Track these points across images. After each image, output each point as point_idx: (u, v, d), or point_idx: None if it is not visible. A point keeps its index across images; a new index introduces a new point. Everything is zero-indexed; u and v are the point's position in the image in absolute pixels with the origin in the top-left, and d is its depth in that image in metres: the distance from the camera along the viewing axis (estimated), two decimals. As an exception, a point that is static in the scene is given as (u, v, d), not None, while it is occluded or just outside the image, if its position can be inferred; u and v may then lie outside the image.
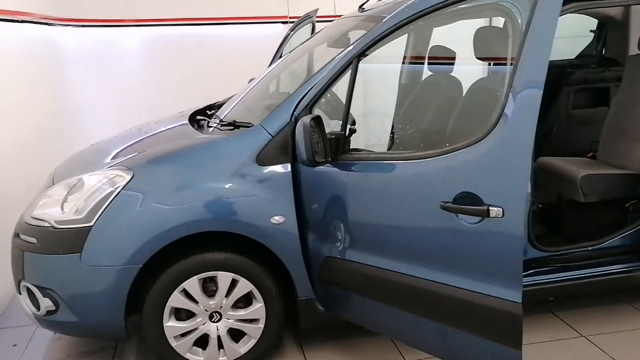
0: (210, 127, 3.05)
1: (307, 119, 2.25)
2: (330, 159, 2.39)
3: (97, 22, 6.03)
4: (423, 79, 3.60)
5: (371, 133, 3.43)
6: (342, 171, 2.46)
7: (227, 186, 2.55)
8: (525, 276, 2.97)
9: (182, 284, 2.60)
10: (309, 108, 2.55)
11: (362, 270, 2.47)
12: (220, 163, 2.60)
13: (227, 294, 2.66)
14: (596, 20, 4.82)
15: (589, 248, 3.03)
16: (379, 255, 2.41)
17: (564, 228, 3.34)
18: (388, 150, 2.91)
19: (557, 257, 3.04)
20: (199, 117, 3.33)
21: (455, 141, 2.11)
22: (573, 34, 5.05)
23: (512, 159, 1.97)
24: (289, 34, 4.93)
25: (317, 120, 2.32)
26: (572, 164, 3.37)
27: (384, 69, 3.52)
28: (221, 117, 3.07)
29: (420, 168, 2.19)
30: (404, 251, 2.30)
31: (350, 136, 2.54)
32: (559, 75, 4.58)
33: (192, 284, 2.61)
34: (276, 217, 2.58)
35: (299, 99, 2.60)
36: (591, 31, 4.92)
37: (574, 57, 4.99)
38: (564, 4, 2.99)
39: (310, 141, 2.24)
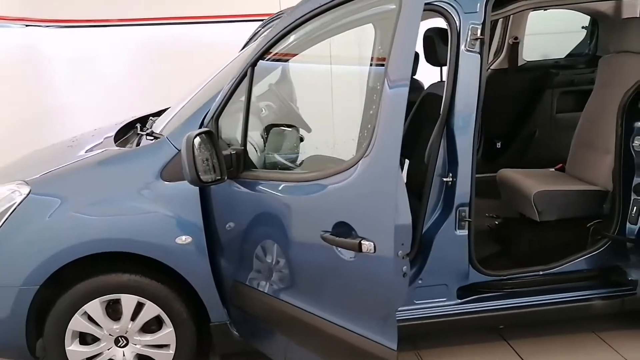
0: (136, 138, 2.88)
1: (192, 134, 2.05)
2: (226, 177, 2.19)
3: (80, 23, 5.92)
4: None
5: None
6: (243, 190, 2.26)
7: (127, 204, 2.38)
8: (470, 301, 2.73)
9: (83, 307, 2.44)
10: (215, 119, 2.35)
11: (261, 298, 2.27)
12: (121, 178, 2.42)
13: (134, 318, 2.49)
14: (589, 17, 4.46)
15: (540, 272, 2.75)
16: (274, 284, 2.20)
17: (515, 249, 3.06)
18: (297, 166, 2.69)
19: (506, 281, 2.77)
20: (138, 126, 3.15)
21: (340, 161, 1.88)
22: (564, 30, 4.70)
23: (379, 184, 1.72)
24: (258, 31, 4.70)
25: (208, 134, 2.12)
26: (532, 178, 3.08)
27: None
28: (154, 128, 2.89)
29: (303, 191, 1.97)
30: (294, 282, 2.09)
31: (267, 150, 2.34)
32: (541, 76, 4.26)
33: (94, 307, 2.45)
34: (182, 237, 2.40)
35: (208, 109, 2.40)
36: (583, 27, 4.57)
37: (564, 55, 4.64)
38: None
39: (194, 158, 2.04)
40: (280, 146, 2.44)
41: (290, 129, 2.50)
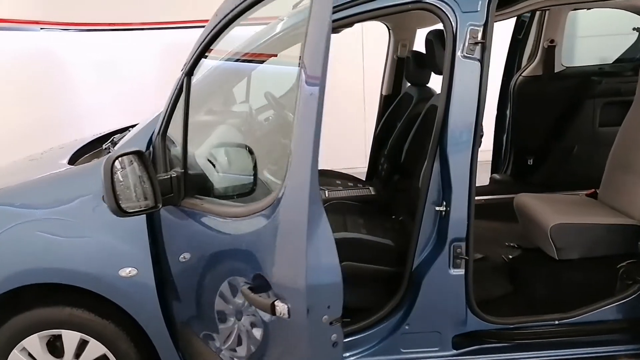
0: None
1: (112, 156, 1.76)
2: (160, 205, 1.87)
3: (99, 26, 5.82)
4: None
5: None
6: (185, 219, 1.94)
7: (64, 231, 2.11)
8: (468, 353, 2.32)
9: (21, 342, 2.20)
10: (161, 136, 2.05)
11: (201, 351, 1.94)
12: (60, 202, 2.16)
13: (78, 356, 2.23)
14: (640, 17, 3.90)
15: (556, 322, 2.29)
16: (216, 338, 1.87)
17: (529, 290, 2.60)
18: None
19: (513, 331, 2.33)
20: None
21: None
22: (612, 33, 4.15)
23: (289, 232, 1.36)
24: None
25: (138, 155, 1.82)
26: (553, 206, 2.61)
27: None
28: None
29: (229, 229, 1.63)
30: (229, 337, 1.75)
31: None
32: (581, 84, 3.74)
33: (33, 343, 2.20)
34: (126, 269, 2.11)
35: (157, 125, 2.11)
36: (635, 29, 4.00)
37: (611, 61, 4.09)
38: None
39: (113, 184, 1.74)
40: (229, 168, 2.11)
41: (239, 147, 2.17)
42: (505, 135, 4.00)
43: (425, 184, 2.23)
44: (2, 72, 4.83)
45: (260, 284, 1.43)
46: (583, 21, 4.10)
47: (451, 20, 2.09)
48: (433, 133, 2.20)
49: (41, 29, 5.11)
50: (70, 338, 2.19)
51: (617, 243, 2.39)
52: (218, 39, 1.85)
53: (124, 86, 5.85)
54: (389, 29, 3.54)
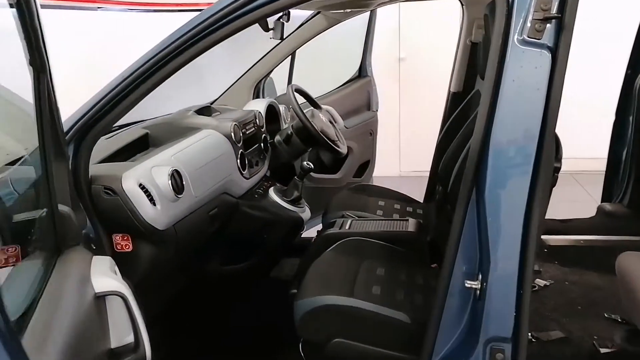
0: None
1: None
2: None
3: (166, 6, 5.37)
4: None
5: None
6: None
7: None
8: None
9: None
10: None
11: None
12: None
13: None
14: None
15: None
16: None
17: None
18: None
19: None
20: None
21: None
22: None
23: None
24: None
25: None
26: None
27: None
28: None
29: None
30: None
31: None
32: None
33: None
34: None
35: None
36: None
37: None
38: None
39: None
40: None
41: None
42: (625, 150, 2.92)
43: (454, 241, 1.42)
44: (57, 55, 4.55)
45: None
46: None
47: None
48: (468, 157, 1.39)
49: (98, 8, 4.76)
50: None
51: None
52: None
53: (189, 71, 5.40)
54: (462, 4, 2.66)
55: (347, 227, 2.22)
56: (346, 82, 3.47)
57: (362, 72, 3.49)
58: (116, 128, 2.12)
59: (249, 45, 2.86)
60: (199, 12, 1.53)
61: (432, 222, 2.48)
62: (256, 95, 2.98)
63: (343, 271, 1.89)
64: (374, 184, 3.60)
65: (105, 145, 2.02)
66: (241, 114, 2.36)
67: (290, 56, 3.06)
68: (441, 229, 2.28)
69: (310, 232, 2.60)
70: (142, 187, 1.61)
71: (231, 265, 2.30)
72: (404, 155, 5.44)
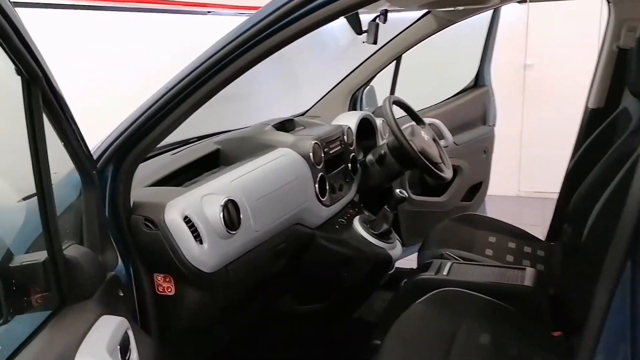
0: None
1: None
2: None
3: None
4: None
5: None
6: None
7: None
8: None
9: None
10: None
11: None
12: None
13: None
14: None
15: None
16: None
17: None
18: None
19: None
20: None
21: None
22: None
23: None
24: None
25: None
26: None
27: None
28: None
29: None
30: None
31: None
32: None
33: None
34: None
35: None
36: None
37: None
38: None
39: None
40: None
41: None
42: None
43: (594, 330, 0.99)
44: (165, 58, 4.52)
45: None
46: None
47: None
48: (620, 220, 0.95)
49: (208, 12, 4.67)
50: None
51: None
52: None
53: (300, 78, 5.18)
54: (608, 1, 2.14)
55: (444, 273, 1.81)
56: (459, 92, 3.05)
57: (479, 80, 3.05)
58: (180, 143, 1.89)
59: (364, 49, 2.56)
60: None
61: (556, 271, 1.99)
62: (352, 105, 2.65)
63: (436, 334, 1.50)
64: (487, 204, 3.14)
65: (169, 161, 1.79)
66: (326, 130, 2.03)
67: (395, 62, 2.70)
68: (569, 283, 1.79)
69: (411, 261, 2.23)
70: (187, 220, 1.34)
71: (309, 304, 2.00)
72: (524, 172, 4.84)
